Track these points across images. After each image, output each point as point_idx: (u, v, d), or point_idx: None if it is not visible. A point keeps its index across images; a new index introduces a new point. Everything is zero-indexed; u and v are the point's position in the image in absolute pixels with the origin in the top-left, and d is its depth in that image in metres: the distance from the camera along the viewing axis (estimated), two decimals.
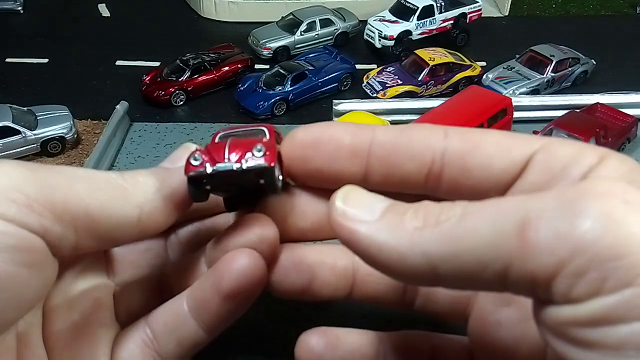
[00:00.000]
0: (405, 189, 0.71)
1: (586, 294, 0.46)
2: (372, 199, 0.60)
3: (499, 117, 3.29)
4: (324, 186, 0.73)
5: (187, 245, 0.89)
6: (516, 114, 3.42)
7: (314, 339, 0.70)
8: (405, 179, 0.69)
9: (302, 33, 4.44)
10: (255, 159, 0.67)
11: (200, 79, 3.93)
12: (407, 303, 0.78)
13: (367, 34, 4.46)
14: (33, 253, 0.57)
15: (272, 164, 0.67)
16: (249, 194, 0.72)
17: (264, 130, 0.77)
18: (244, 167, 0.68)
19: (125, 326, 0.81)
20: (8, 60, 4.29)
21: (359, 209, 0.58)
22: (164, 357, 0.77)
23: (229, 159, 0.67)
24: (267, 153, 0.67)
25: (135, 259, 0.86)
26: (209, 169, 0.67)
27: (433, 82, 3.96)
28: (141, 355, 0.77)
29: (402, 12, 4.46)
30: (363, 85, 3.96)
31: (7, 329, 0.60)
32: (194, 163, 0.67)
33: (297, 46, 4.43)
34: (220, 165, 0.67)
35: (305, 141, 0.72)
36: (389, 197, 0.64)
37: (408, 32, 4.41)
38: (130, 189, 0.67)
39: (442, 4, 4.49)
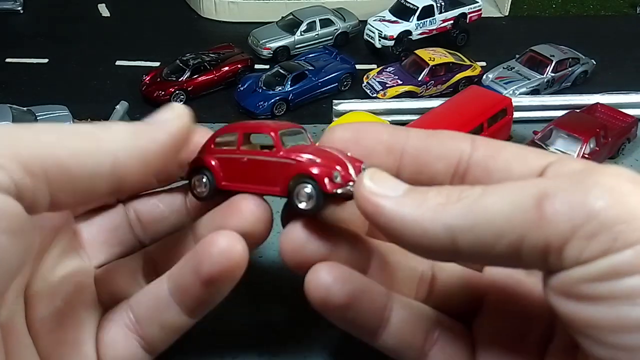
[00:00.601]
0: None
1: (597, 253, 0.51)
2: (396, 180, 0.65)
3: (499, 117, 3.29)
4: None
5: (152, 224, 0.87)
6: (516, 114, 3.41)
7: (323, 272, 0.67)
8: (433, 177, 0.73)
9: (302, 33, 4.44)
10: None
11: (200, 79, 3.93)
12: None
13: (367, 34, 4.46)
14: (11, 218, 0.55)
15: None
16: None
17: (303, 133, 0.78)
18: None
19: (109, 309, 0.80)
20: (8, 60, 4.29)
21: (384, 187, 0.63)
22: (148, 341, 0.76)
23: (355, 176, 0.68)
24: None
25: (106, 238, 0.85)
26: (350, 187, 0.67)
27: (433, 82, 3.96)
28: (125, 339, 0.76)
29: (402, 12, 4.45)
30: (363, 85, 3.96)
31: None
32: (337, 180, 0.67)
33: (297, 46, 4.43)
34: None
35: (346, 135, 0.74)
36: None
37: (408, 32, 4.41)
38: (104, 136, 0.64)
39: (442, 4, 4.49)
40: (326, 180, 0.67)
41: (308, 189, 0.68)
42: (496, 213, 0.56)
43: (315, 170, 0.68)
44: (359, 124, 0.77)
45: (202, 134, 0.80)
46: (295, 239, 0.70)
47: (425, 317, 0.74)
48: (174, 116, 0.71)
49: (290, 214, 0.73)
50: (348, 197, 0.68)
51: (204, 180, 0.77)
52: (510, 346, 0.71)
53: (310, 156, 0.70)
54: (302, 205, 0.69)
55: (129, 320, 0.77)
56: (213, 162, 0.76)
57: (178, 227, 0.85)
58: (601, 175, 0.55)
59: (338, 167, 0.69)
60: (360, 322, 0.69)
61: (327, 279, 0.66)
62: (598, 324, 0.53)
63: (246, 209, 0.71)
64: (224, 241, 0.68)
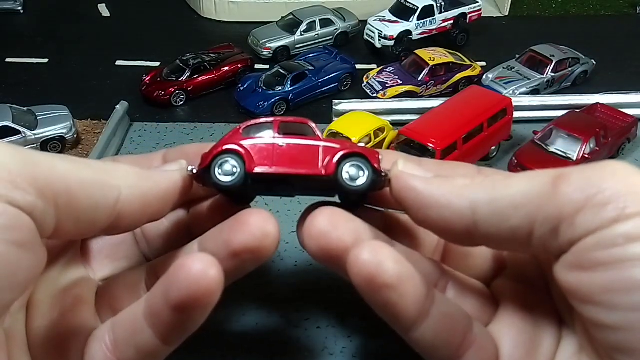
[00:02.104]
0: None
1: (608, 221, 0.56)
2: (423, 170, 0.73)
3: (499, 117, 3.29)
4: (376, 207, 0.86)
5: (161, 240, 0.89)
6: (516, 114, 3.41)
7: (374, 250, 0.67)
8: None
9: (302, 33, 4.44)
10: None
11: (200, 79, 3.93)
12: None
13: (367, 34, 4.46)
14: (23, 231, 0.57)
15: None
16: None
17: (310, 126, 0.81)
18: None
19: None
20: (8, 60, 4.28)
21: (416, 170, 0.72)
22: None
23: None
24: None
25: (111, 252, 0.87)
26: None
27: (433, 82, 3.96)
28: (102, 359, 0.73)
29: (402, 12, 4.45)
30: (363, 85, 3.96)
31: (3, 314, 0.59)
32: (382, 164, 0.75)
33: (297, 46, 4.43)
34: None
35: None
36: None
37: (408, 32, 4.40)
38: (112, 172, 0.68)
39: (442, 4, 4.49)
40: (376, 161, 0.74)
41: (358, 164, 0.73)
42: (515, 189, 0.63)
43: (369, 152, 0.74)
44: (377, 152, 0.84)
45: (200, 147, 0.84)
46: (322, 224, 0.70)
47: (464, 317, 0.75)
48: (178, 168, 0.77)
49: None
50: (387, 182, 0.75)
51: (232, 166, 0.73)
52: (529, 345, 0.72)
53: (353, 144, 0.77)
54: (358, 183, 0.72)
55: (108, 341, 0.75)
56: (245, 147, 0.75)
57: (182, 243, 0.85)
58: (611, 163, 0.62)
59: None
60: (403, 307, 0.68)
61: (374, 257, 0.66)
62: (610, 286, 0.57)
63: (254, 223, 0.71)
64: (196, 266, 0.64)
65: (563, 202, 0.59)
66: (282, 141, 0.74)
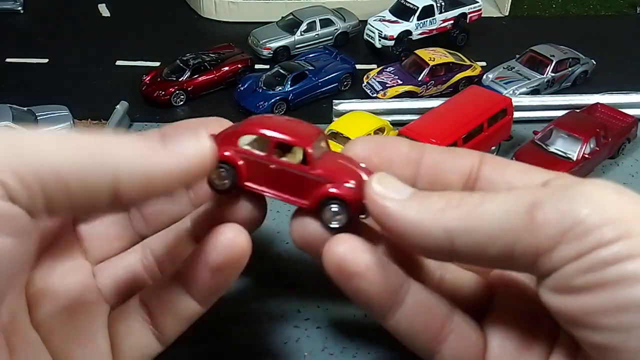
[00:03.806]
0: None
1: (586, 250, 0.56)
2: (401, 184, 0.71)
3: (499, 117, 3.29)
4: None
5: (155, 220, 0.89)
6: (516, 114, 3.41)
7: (342, 242, 0.70)
8: (446, 187, 0.77)
9: (302, 33, 4.44)
10: None
11: (200, 79, 3.93)
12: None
13: (367, 34, 4.46)
14: (13, 221, 0.56)
15: None
16: None
17: (321, 136, 0.80)
18: None
19: (114, 305, 0.83)
20: (8, 60, 4.29)
21: (391, 189, 0.69)
22: (162, 331, 0.80)
23: None
24: None
25: (104, 234, 0.86)
26: None
27: (433, 82, 3.96)
28: (140, 330, 0.80)
29: (402, 12, 4.46)
30: (363, 85, 3.96)
31: None
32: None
33: (297, 46, 4.43)
34: None
35: (368, 147, 0.79)
36: None
37: (408, 32, 4.41)
38: (109, 151, 0.63)
39: (442, 4, 4.50)
40: (355, 203, 0.73)
41: (339, 211, 0.73)
42: (491, 219, 0.62)
43: (350, 197, 0.73)
44: (380, 137, 0.84)
45: (219, 125, 0.83)
46: (305, 224, 0.75)
47: (441, 305, 0.75)
48: (194, 148, 0.69)
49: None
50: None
51: (225, 175, 0.77)
52: (521, 342, 0.72)
53: (344, 178, 0.75)
54: (334, 224, 0.74)
55: (143, 313, 0.80)
56: (240, 162, 0.76)
57: (180, 217, 0.86)
58: (588, 186, 0.61)
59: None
60: (374, 295, 0.70)
61: (344, 247, 0.69)
62: (593, 309, 0.58)
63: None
64: (229, 233, 0.74)
65: (538, 237, 0.59)
66: (275, 164, 0.76)
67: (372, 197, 0.69)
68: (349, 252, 0.69)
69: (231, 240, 0.74)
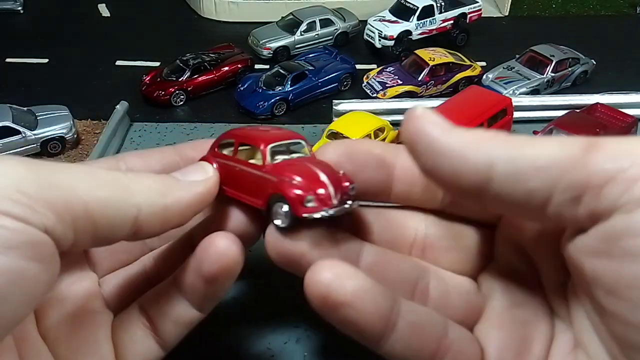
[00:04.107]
0: (425, 202, 0.75)
1: (638, 199, 0.50)
2: (444, 118, 0.65)
3: (499, 117, 3.29)
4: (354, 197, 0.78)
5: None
6: (516, 114, 3.41)
7: (324, 269, 0.66)
8: (426, 187, 0.74)
9: (302, 33, 4.44)
10: (355, 199, 0.72)
11: (200, 79, 3.93)
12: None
13: (367, 34, 4.46)
14: (42, 247, 0.59)
15: None
16: None
17: (302, 143, 0.80)
18: (351, 208, 0.72)
19: (116, 312, 0.84)
20: (8, 60, 4.28)
21: (437, 117, 0.64)
22: (162, 337, 0.81)
23: (336, 200, 0.70)
24: (357, 191, 0.72)
25: (113, 248, 0.87)
26: (327, 212, 0.68)
27: (433, 82, 3.96)
28: (142, 336, 0.82)
29: (402, 12, 4.45)
30: (363, 85, 3.96)
31: (16, 325, 0.60)
32: (310, 205, 0.68)
33: (297, 46, 4.43)
34: (337, 210, 0.70)
35: (338, 151, 0.77)
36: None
37: (408, 32, 4.40)
38: (134, 188, 0.69)
39: (442, 4, 4.49)
40: (300, 203, 0.69)
41: (283, 209, 0.70)
42: (541, 150, 0.57)
43: (290, 193, 0.69)
44: (350, 141, 0.81)
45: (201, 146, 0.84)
46: (279, 236, 0.73)
47: (435, 323, 0.72)
48: (204, 179, 0.76)
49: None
50: (323, 219, 0.69)
51: None
52: (518, 348, 0.71)
53: (292, 176, 0.71)
54: (277, 222, 0.71)
55: (144, 319, 0.82)
56: (214, 166, 0.78)
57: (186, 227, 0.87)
58: None
59: (319, 191, 0.69)
60: (363, 323, 0.67)
61: (327, 275, 0.65)
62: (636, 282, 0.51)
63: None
64: (222, 242, 0.74)
65: (592, 170, 0.53)
66: (238, 165, 0.76)
67: (414, 119, 0.64)
68: (333, 281, 0.65)
69: (223, 249, 0.73)
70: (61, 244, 0.62)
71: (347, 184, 0.71)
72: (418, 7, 4.41)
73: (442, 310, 0.74)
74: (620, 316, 0.54)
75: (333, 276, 0.65)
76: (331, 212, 0.69)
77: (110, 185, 0.67)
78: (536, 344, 0.70)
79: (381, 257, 0.76)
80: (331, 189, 0.70)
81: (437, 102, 3.51)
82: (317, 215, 0.68)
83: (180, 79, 3.89)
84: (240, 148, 0.78)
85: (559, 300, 0.70)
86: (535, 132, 3.31)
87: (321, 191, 0.69)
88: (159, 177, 0.73)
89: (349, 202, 0.71)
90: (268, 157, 0.74)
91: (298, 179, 0.70)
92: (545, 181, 0.56)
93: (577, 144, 0.56)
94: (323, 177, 0.71)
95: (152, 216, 0.69)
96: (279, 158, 0.76)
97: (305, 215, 0.68)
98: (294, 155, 0.78)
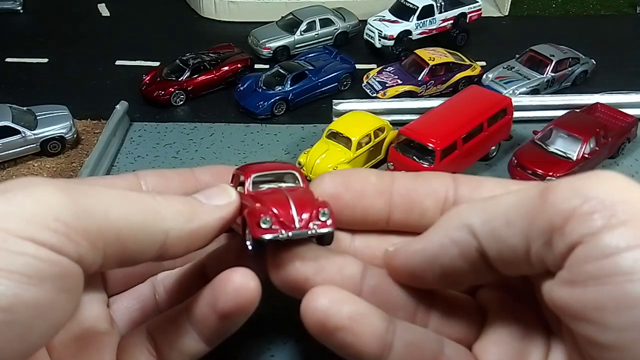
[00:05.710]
0: (422, 228, 0.75)
1: (597, 229, 0.55)
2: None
3: (499, 117, 3.29)
4: (353, 226, 0.78)
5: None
6: (516, 114, 3.42)
7: (320, 295, 0.67)
8: (423, 213, 0.75)
9: (302, 33, 4.44)
10: (324, 226, 0.71)
11: (200, 78, 3.93)
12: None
13: (367, 34, 4.46)
14: (71, 279, 0.59)
15: (335, 226, 0.72)
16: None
17: (294, 174, 0.79)
18: (317, 233, 0.71)
19: (124, 332, 0.83)
20: (8, 60, 4.29)
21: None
22: None
23: (299, 223, 0.69)
24: (332, 217, 0.71)
25: (126, 272, 0.87)
26: (284, 235, 0.68)
27: (433, 82, 3.96)
28: None
29: (402, 12, 4.45)
30: (363, 85, 3.96)
31: (36, 352, 0.61)
32: (264, 226, 0.68)
33: (297, 46, 4.43)
34: (296, 233, 0.69)
35: (336, 182, 0.77)
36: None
37: (408, 32, 4.41)
38: (163, 212, 0.69)
39: (442, 3, 4.49)
40: (255, 225, 0.69)
41: (248, 231, 0.71)
42: (507, 206, 0.63)
43: (248, 215, 0.71)
44: (347, 171, 0.82)
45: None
46: (281, 260, 0.72)
47: (431, 341, 0.73)
48: (227, 202, 0.75)
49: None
50: (282, 241, 0.69)
51: None
52: (518, 324, 0.72)
53: (260, 200, 0.72)
54: (247, 244, 0.72)
55: (149, 346, 0.80)
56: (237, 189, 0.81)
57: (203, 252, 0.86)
58: (599, 172, 0.60)
59: (276, 212, 0.70)
60: (360, 346, 0.68)
61: (324, 302, 0.67)
62: (603, 304, 0.55)
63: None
64: (239, 278, 0.71)
65: (551, 214, 0.58)
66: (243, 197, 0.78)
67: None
68: (330, 307, 0.66)
69: (240, 286, 0.71)
70: (89, 270, 0.62)
71: (320, 209, 0.71)
72: (418, 7, 4.41)
73: (444, 330, 0.75)
74: (591, 339, 0.57)
75: (329, 302, 0.66)
76: (290, 234, 0.69)
77: (142, 211, 0.67)
78: (533, 357, 0.70)
79: (384, 280, 0.77)
80: (293, 212, 0.70)
81: (437, 102, 3.52)
82: (268, 237, 0.68)
83: (180, 79, 3.89)
84: (240, 179, 0.79)
85: (553, 316, 0.70)
86: (535, 132, 3.32)
87: (279, 213, 0.70)
88: (185, 200, 0.73)
89: (316, 226, 0.71)
90: (249, 186, 0.75)
91: (259, 204, 0.71)
92: (519, 234, 0.61)
93: (534, 191, 0.61)
94: (289, 202, 0.71)
95: (178, 240, 0.69)
96: (264, 187, 0.77)
97: (261, 236, 0.69)
98: (283, 185, 0.79)
